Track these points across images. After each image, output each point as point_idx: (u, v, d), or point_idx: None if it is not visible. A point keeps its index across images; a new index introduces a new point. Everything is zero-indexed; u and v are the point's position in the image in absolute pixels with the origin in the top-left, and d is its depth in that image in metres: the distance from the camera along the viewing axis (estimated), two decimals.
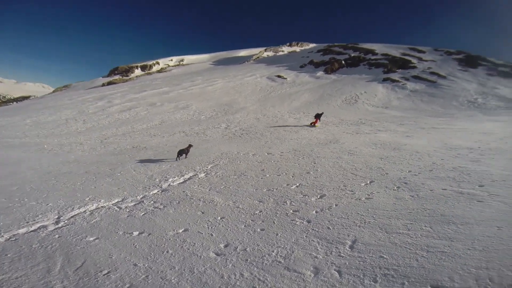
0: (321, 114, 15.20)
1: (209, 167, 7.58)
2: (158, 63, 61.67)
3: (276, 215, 4.19)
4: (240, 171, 7.02)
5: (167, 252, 3.33)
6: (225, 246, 3.41)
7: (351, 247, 3.07)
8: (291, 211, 4.30)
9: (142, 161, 8.77)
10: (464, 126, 12.40)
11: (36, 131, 16.07)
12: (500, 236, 2.80)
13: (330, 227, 3.63)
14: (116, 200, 5.38)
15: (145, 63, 59.82)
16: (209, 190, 5.71)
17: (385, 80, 29.41)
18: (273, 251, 3.16)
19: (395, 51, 41.31)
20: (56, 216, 4.66)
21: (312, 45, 62.38)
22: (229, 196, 5.22)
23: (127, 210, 4.83)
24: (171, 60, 64.89)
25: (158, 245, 3.52)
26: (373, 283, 2.42)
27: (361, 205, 4.24)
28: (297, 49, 61.24)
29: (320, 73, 36.35)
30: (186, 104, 22.74)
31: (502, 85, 25.06)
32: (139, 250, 3.41)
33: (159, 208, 4.83)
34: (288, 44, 64.24)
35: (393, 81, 28.61)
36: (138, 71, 56.57)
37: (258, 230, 3.76)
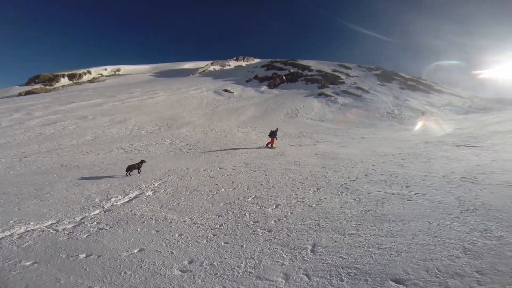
0: (276, 130, 13.31)
1: (156, 185, 7.02)
2: (89, 72, 55.46)
3: (237, 228, 4.13)
4: (192, 187, 6.68)
5: (125, 273, 3.08)
6: (190, 262, 3.23)
7: (312, 251, 3.19)
8: (252, 223, 4.28)
9: (75, 181, 7.65)
10: (386, 135, 14.56)
11: None
12: (432, 230, 3.25)
13: (290, 234, 3.72)
14: (50, 222, 4.77)
15: (73, 71, 53.03)
16: (160, 208, 5.31)
17: (320, 95, 32.63)
18: (241, 263, 3.10)
19: (327, 67, 46.44)
20: None
21: (257, 60, 65.41)
22: (184, 213, 4.93)
23: (66, 232, 4.33)
24: (105, 69, 59.27)
25: (113, 267, 3.21)
26: (340, 282, 2.53)
27: (313, 211, 4.47)
28: (243, 63, 63.30)
29: (264, 88, 38.14)
30: (124, 117, 20.79)
31: (411, 97, 30.55)
32: (91, 273, 3.12)
33: (105, 229, 4.37)
34: (235, 58, 65.96)
35: (327, 95, 31.97)
36: (64, 80, 49.66)
37: (222, 243, 3.64)
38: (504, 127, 11.60)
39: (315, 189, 5.76)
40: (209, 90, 34.76)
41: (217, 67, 59.81)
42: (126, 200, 5.98)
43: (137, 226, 4.46)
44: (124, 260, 3.37)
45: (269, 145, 12.84)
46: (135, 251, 3.60)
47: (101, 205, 5.66)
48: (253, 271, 2.90)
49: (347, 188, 5.61)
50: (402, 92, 33.22)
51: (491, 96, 30.70)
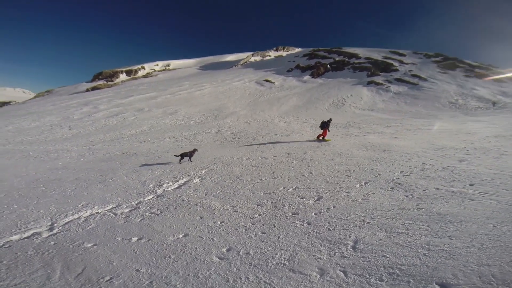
0: (329, 121, 11.67)
1: (203, 172, 7.50)
2: (143, 67, 60.83)
3: (276, 218, 4.18)
4: (235, 175, 6.98)
5: (169, 257, 3.27)
6: (228, 250, 3.36)
7: (353, 247, 3.09)
8: (291, 214, 4.29)
9: (133, 167, 8.56)
10: (449, 126, 12.93)
11: (19, 137, 15.39)
12: (496, 234, 2.90)
13: (331, 228, 3.65)
14: (111, 206, 5.24)
15: (130, 68, 58.81)
16: (206, 195, 5.64)
17: (369, 83, 30.33)
18: (276, 254, 3.14)
19: (377, 54, 42.73)
20: (50, 223, 4.50)
21: (297, 50, 63.59)
22: (227, 201, 5.17)
23: (123, 216, 4.71)
24: (157, 64, 64.29)
25: (159, 251, 3.44)
26: (379, 282, 2.44)
27: (358, 206, 4.29)
28: (284, 53, 62.26)
29: (307, 77, 37.00)
30: (175, 109, 22.49)
31: (479, 86, 26.43)
32: (140, 256, 3.34)
33: (156, 214, 4.74)
34: (274, 48, 65.19)
35: (377, 84, 29.55)
36: (123, 76, 55.48)
37: (259, 233, 3.73)
38: None
39: (362, 183, 5.49)
40: (251, 81, 35.12)
41: (258, 58, 59.90)
42: (176, 186, 6.43)
43: (184, 211, 4.75)
44: (170, 244, 3.57)
45: (321, 138, 11.45)
46: (180, 236, 3.81)
47: (154, 190, 6.11)
48: (287, 263, 2.91)
49: (399, 183, 5.22)
50: (468, 80, 28.87)
51: None
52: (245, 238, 3.62)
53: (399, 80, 30.09)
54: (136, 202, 5.45)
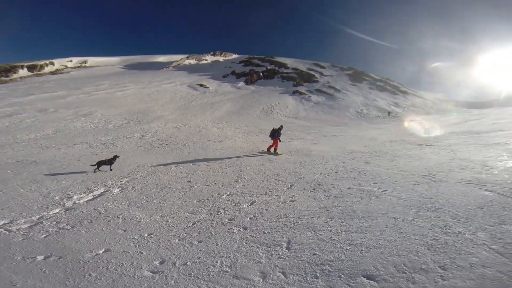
0: (280, 129, 10.38)
1: (123, 182, 6.64)
2: (52, 63, 51.13)
3: (212, 226, 4.01)
4: (163, 183, 6.41)
5: (89, 275, 2.89)
6: (161, 262, 3.07)
7: (287, 248, 3.20)
8: (227, 220, 4.20)
9: (32, 177, 7.03)
10: (356, 133, 15.23)
11: None
12: (398, 226, 3.43)
13: (265, 231, 3.70)
14: (2, 222, 4.40)
15: (34, 62, 48.42)
16: (128, 206, 5.03)
17: (294, 92, 33.22)
18: (217, 262, 3.01)
19: (302, 65, 47.42)
20: None
21: (234, 56, 64.81)
22: (154, 211, 4.71)
23: (21, 232, 4.00)
24: (70, 60, 55.10)
25: (76, 269, 3.01)
26: (315, 279, 2.56)
27: (287, 208, 4.51)
28: (221, 58, 62.40)
29: (241, 84, 37.91)
30: (89, 110, 19.40)
31: (379, 97, 32.33)
32: (51, 276, 2.90)
33: (66, 229, 4.06)
34: (212, 53, 64.73)
35: (301, 93, 32.65)
36: (23, 72, 45.21)
37: (196, 242, 3.51)
38: (460, 128, 12.73)
39: (289, 186, 5.83)
40: (184, 84, 33.72)
41: (193, 61, 58.35)
42: (90, 197, 5.60)
43: (102, 225, 4.18)
44: (88, 261, 3.15)
45: (272, 150, 9.99)
46: (100, 252, 3.38)
47: (61, 203, 5.25)
48: (229, 270, 2.83)
49: (319, 184, 5.75)
50: (371, 92, 35.04)
51: (457, 98, 33.54)
52: (179, 249, 3.35)
53: (319, 91, 34.01)
54: (38, 216, 4.60)
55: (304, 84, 37.57)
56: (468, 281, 2.26)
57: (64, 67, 51.56)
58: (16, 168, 8.09)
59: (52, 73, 46.25)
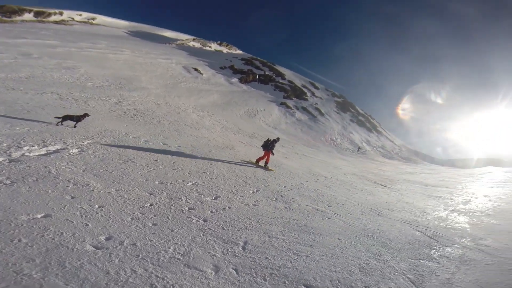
0: (275, 141, 9.30)
1: (85, 143, 6.34)
2: (61, 13, 49.03)
3: (170, 211, 4.00)
4: (127, 155, 6.24)
5: (19, 240, 2.58)
6: (107, 239, 2.94)
7: (243, 247, 3.36)
8: (187, 208, 4.23)
9: None
10: (324, 159, 16.11)
11: None
12: (340, 246, 3.85)
13: (225, 227, 3.84)
14: None
15: (43, 9, 45.75)
16: (83, 171, 4.76)
17: (282, 104, 34.01)
18: (169, 248, 3.00)
19: (298, 80, 48.86)
20: None
21: (239, 51, 64.75)
22: (111, 183, 4.52)
23: None
24: (80, 15, 53.12)
25: (4, 232, 2.67)
26: (263, 281, 2.75)
27: (249, 210, 4.72)
28: (225, 50, 61.98)
29: (235, 80, 37.83)
30: (74, 65, 18.12)
31: (356, 131, 34.34)
32: None
33: (5, 184, 3.65)
34: (218, 42, 64.02)
35: (288, 107, 33.52)
36: (29, 16, 42.53)
37: (150, 224, 3.46)
38: (413, 177, 14.11)
39: (255, 190, 6.08)
40: (179, 64, 32.80)
41: (197, 45, 57.40)
42: (42, 152, 5.15)
43: (49, 186, 3.85)
44: (22, 225, 2.84)
45: (261, 163, 9.02)
46: (39, 216, 3.09)
47: (8, 152, 4.75)
48: (181, 258, 2.84)
49: (281, 196, 6.08)
50: (350, 124, 37.09)
51: (416, 148, 36.70)
52: (131, 228, 3.25)
53: (304, 109, 35.20)
54: None
55: (293, 98, 38.63)
56: None
57: (71, 19, 49.62)
58: None
59: (55, 22, 43.61)
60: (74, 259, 2.49)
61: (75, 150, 5.67)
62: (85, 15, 54.92)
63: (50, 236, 2.75)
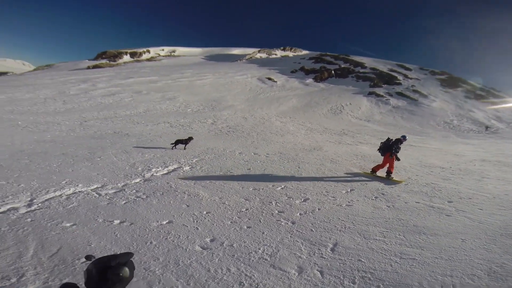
0: (399, 141, 7.07)
1: (194, 161, 7.55)
2: (148, 51, 61.15)
3: (262, 214, 4.29)
4: (226, 167, 7.06)
5: (151, 243, 3.27)
6: (211, 240, 3.42)
7: (332, 249, 3.22)
8: (277, 212, 4.41)
9: (123, 148, 8.56)
10: (439, 146, 13.22)
11: (10, 107, 15.07)
12: (463, 248, 3.09)
13: (313, 229, 3.78)
14: (96, 186, 5.19)
15: (135, 50, 58.86)
16: (194, 184, 5.69)
17: (370, 93, 30.60)
18: (259, 249, 3.23)
19: (383, 66, 43.14)
20: (29, 199, 4.36)
21: (304, 52, 63.81)
22: (215, 192, 5.25)
23: (107, 197, 4.67)
24: (163, 49, 64.57)
25: (141, 235, 3.43)
26: (352, 284, 2.58)
27: (342, 211, 4.45)
28: (290, 54, 62.40)
29: (309, 80, 37.14)
30: (173, 95, 22.39)
31: (477, 108, 26.98)
32: (121, 240, 3.32)
33: (142, 198, 4.74)
34: (282, 48, 65.35)
35: (378, 95, 29.83)
36: (126, 58, 55.44)
37: (245, 227, 3.83)
38: None
39: (349, 190, 5.67)
40: (254, 77, 35.09)
41: (264, 55, 60.02)
42: (165, 172, 6.42)
43: (171, 198, 4.77)
44: (153, 230, 3.56)
45: (379, 173, 7.03)
46: (164, 222, 3.82)
47: (142, 174, 6.09)
48: (268, 259, 3.00)
49: (383, 194, 5.41)
50: (467, 101, 29.42)
51: None
52: (230, 231, 3.69)
53: (400, 94, 30.47)
54: (123, 184, 5.42)
55: (383, 85, 34.19)
56: None
57: (157, 55, 60.78)
58: (113, 138, 10.06)
59: (148, 60, 55.04)
60: (186, 258, 3.00)
61: (187, 168, 6.87)
62: (167, 49, 65.59)
63: (171, 238, 3.41)
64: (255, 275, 2.72)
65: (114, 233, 3.47)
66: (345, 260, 2.96)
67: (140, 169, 6.51)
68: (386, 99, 28.63)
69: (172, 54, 63.42)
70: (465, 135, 19.03)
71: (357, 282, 2.59)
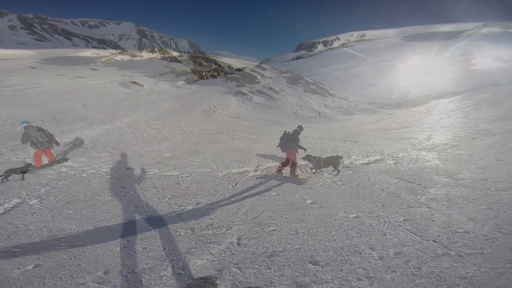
0: (296, 132, 6.67)
1: (42, 191, 5.60)
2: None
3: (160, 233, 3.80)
4: (91, 191, 5.68)
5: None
6: (105, 273, 2.75)
7: (238, 244, 3.31)
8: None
9: None
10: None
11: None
12: (329, 214, 3.93)
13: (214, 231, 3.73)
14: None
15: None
16: (52, 217, 4.27)
17: (237, 93, 33.55)
18: (167, 265, 2.89)
19: (246, 65, 48.74)
20: None
21: (175, 53, 61.62)
22: (86, 221, 4.12)
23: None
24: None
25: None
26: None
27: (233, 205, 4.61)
28: (159, 55, 58.47)
29: (181, 83, 36.30)
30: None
31: (311, 99, 35.32)
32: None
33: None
34: (149, 49, 60.09)
35: (243, 94, 33.19)
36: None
37: (140, 249, 3.25)
38: (376, 126, 14.99)
39: (234, 184, 6.00)
40: (113, 82, 30.31)
41: (126, 57, 53.26)
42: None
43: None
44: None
45: (284, 171, 6.54)
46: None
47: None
48: (183, 272, 2.92)
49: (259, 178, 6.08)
50: (305, 94, 38.05)
51: (368, 100, 39.10)
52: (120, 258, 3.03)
53: (260, 92, 35.14)
54: None
55: (246, 85, 38.31)
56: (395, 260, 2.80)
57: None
58: None
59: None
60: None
61: (34, 201, 5.19)
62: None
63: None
64: None
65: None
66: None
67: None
68: (250, 97, 32.31)
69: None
70: (308, 120, 24.56)
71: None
